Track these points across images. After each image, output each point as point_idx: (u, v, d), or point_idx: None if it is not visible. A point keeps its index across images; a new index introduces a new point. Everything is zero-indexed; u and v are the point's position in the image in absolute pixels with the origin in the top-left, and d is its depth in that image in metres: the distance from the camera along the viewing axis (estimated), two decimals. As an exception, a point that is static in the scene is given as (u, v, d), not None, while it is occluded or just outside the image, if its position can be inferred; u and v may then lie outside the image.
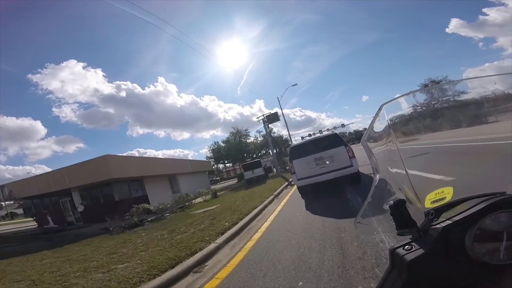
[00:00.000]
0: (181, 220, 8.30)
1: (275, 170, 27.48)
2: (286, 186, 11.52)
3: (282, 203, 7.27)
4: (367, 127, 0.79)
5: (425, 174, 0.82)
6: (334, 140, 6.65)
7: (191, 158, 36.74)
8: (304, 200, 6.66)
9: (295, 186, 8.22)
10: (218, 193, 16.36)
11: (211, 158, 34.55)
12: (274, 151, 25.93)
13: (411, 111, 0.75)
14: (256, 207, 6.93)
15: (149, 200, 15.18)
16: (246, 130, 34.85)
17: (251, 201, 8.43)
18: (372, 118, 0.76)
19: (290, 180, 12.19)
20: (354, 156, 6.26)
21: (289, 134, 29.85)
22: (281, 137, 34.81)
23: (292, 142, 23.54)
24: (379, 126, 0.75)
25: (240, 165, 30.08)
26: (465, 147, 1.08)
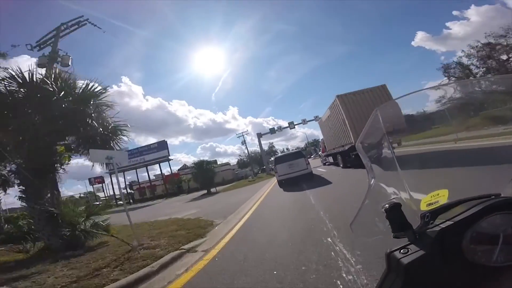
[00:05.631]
0: None
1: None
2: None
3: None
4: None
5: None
6: (299, 154, 12.42)
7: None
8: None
9: None
10: None
11: None
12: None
13: (407, 113, 0.75)
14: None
15: None
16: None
17: None
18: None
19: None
20: (309, 163, 11.92)
21: None
22: None
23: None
24: (373, 130, 0.75)
25: None
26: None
